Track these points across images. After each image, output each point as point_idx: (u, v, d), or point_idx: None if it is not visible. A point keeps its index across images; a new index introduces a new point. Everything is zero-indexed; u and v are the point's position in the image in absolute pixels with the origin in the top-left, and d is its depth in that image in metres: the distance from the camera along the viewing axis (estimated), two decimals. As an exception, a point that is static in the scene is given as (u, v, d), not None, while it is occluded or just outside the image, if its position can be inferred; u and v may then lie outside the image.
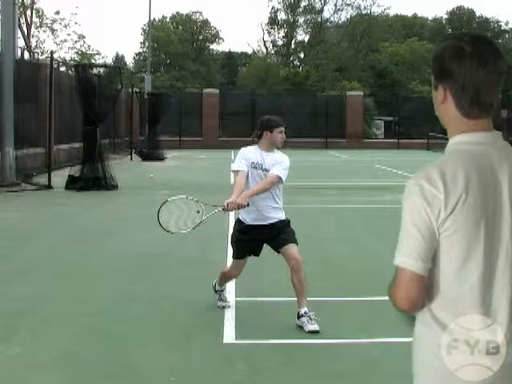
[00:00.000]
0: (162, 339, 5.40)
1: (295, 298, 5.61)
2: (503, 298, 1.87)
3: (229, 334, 5.49)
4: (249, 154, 5.72)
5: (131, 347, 5.21)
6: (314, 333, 5.41)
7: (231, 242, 5.97)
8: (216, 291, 6.19)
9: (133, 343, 5.30)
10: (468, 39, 1.91)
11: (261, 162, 5.67)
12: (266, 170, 5.63)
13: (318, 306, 5.84)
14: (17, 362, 4.89)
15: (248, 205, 5.50)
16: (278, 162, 5.63)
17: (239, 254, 5.85)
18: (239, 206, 5.47)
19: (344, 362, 4.93)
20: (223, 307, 6.13)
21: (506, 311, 1.87)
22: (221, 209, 5.53)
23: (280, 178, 5.58)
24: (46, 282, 7.23)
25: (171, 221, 5.49)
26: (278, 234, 5.64)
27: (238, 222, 5.85)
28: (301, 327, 5.51)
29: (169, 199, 5.56)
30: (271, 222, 5.68)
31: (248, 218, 5.72)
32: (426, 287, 1.87)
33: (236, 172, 5.71)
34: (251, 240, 5.74)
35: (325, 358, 5.01)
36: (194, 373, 4.74)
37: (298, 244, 5.66)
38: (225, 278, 6.12)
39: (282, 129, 5.71)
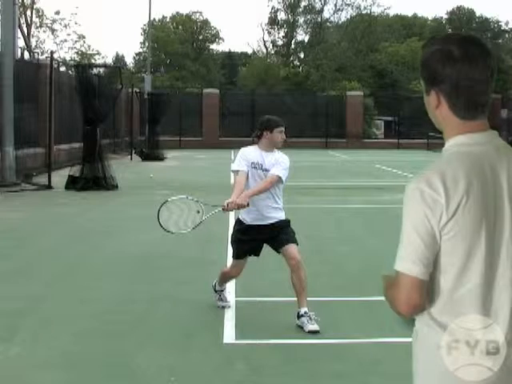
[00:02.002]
0: (162, 339, 5.40)
1: (295, 298, 5.60)
2: (504, 298, 1.87)
3: (229, 334, 5.49)
4: (249, 154, 5.72)
5: (131, 347, 5.21)
6: (313, 333, 5.41)
7: (231, 242, 5.97)
8: (216, 291, 6.19)
9: (133, 343, 5.30)
10: (456, 41, 1.91)
11: (261, 162, 5.67)
12: (266, 170, 5.63)
13: (318, 306, 5.84)
14: (17, 362, 4.89)
15: (248, 205, 5.50)
16: (278, 162, 5.63)
17: (239, 254, 5.85)
18: (239, 206, 5.47)
19: (344, 362, 4.93)
20: (223, 307, 6.13)
21: (507, 312, 1.87)
22: (221, 209, 5.53)
23: (280, 178, 5.58)
24: (46, 282, 7.23)
25: (171, 221, 5.49)
26: (278, 234, 5.64)
27: (238, 221, 5.85)
28: (301, 327, 5.51)
29: (169, 199, 5.56)
30: (271, 221, 5.68)
31: (248, 217, 5.72)
32: (427, 288, 1.87)
33: (236, 172, 5.71)
34: (251, 240, 5.74)
35: (325, 358, 5.01)
36: (194, 373, 4.75)
37: (298, 244, 5.66)
38: (225, 277, 6.12)
39: (282, 129, 5.71)
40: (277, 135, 5.67)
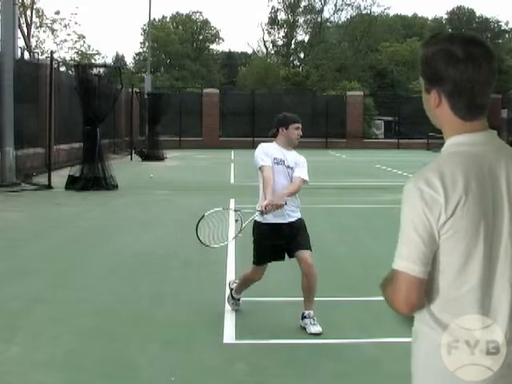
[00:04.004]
0: (163, 339, 5.40)
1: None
2: (503, 297, 1.87)
3: (229, 334, 5.49)
4: (270, 150, 5.62)
5: (131, 347, 5.21)
6: (316, 335, 5.40)
7: (254, 249, 5.73)
8: (233, 298, 6.01)
9: (133, 343, 5.30)
10: (460, 42, 1.89)
11: (283, 158, 5.58)
12: (289, 168, 5.56)
13: (319, 306, 5.83)
14: (17, 362, 4.89)
15: (286, 204, 5.38)
16: (300, 165, 5.59)
17: (261, 261, 5.69)
18: (277, 207, 5.31)
19: (344, 362, 4.93)
20: (236, 311, 6.01)
21: (506, 311, 1.87)
22: (258, 213, 5.41)
23: (306, 182, 5.60)
24: (46, 282, 7.23)
25: (210, 235, 5.38)
26: (296, 235, 5.54)
27: (257, 224, 5.63)
28: (304, 328, 5.50)
29: (205, 214, 5.42)
30: (291, 220, 5.59)
31: (269, 215, 5.55)
32: (426, 288, 1.87)
33: (262, 168, 5.52)
34: (272, 245, 5.59)
35: (325, 358, 5.01)
36: (193, 373, 4.74)
37: (311, 250, 5.59)
38: (247, 282, 5.89)
39: (299, 125, 5.65)
40: (292, 131, 5.61)
